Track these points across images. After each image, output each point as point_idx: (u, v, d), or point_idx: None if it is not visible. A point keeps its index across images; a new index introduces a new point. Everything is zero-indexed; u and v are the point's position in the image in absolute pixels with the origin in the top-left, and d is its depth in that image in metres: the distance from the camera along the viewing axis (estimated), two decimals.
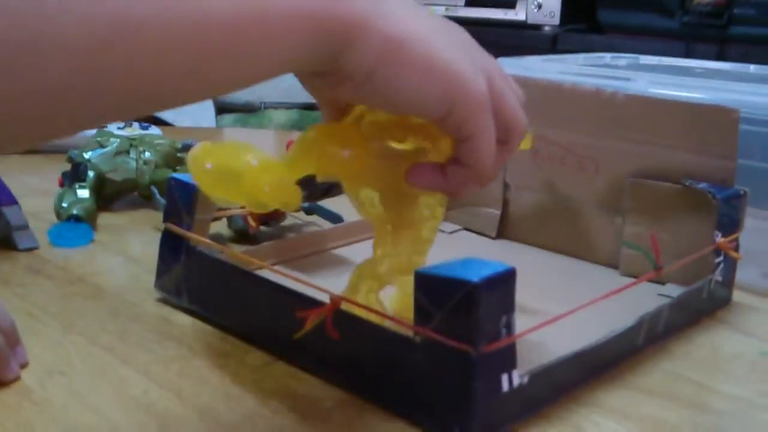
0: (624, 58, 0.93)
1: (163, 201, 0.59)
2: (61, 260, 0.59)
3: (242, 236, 0.63)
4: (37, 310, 0.50)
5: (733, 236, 0.53)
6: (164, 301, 0.52)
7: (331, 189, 0.59)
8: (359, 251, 0.48)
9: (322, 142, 0.40)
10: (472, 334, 0.35)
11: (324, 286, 0.42)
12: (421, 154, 0.41)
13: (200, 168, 0.37)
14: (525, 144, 0.48)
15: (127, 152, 0.72)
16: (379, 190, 0.43)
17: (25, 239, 0.61)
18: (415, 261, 0.45)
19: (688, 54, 1.70)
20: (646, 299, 0.51)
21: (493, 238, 0.65)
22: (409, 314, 0.38)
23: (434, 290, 0.37)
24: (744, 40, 1.71)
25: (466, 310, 0.35)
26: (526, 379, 0.38)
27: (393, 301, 0.49)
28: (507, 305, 0.37)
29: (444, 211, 0.45)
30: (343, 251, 0.61)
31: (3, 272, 0.56)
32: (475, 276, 0.35)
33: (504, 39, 2.08)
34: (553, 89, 0.60)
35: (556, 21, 1.96)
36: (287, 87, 2.54)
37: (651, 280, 0.51)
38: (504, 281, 0.36)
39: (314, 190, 0.59)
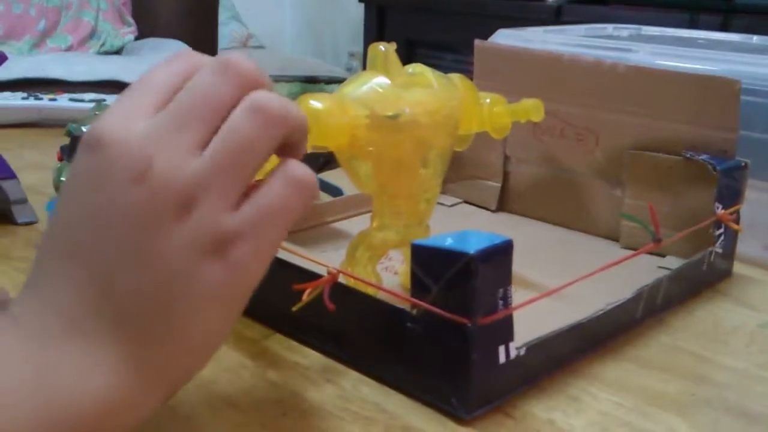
0: (626, 29, 0.92)
1: None
2: None
3: None
4: None
5: (734, 208, 0.52)
6: None
7: (330, 162, 0.59)
8: (359, 224, 0.48)
9: (309, 113, 0.39)
10: (469, 306, 0.35)
11: (323, 259, 0.41)
12: (413, 124, 0.41)
13: None
14: (537, 115, 0.48)
15: None
16: (371, 161, 0.42)
17: (23, 213, 0.61)
18: (416, 232, 0.45)
19: (692, 25, 1.69)
20: (645, 271, 0.50)
21: (493, 211, 0.65)
22: None
23: (431, 262, 0.36)
24: (748, 11, 1.69)
25: (463, 283, 0.35)
26: (523, 351, 0.38)
27: (402, 275, 0.49)
28: (504, 277, 0.37)
29: (440, 183, 0.45)
30: (342, 224, 0.61)
31: (2, 247, 0.56)
32: (472, 248, 0.35)
33: (508, 11, 2.07)
34: (553, 60, 0.59)
35: None
36: (288, 59, 2.53)
37: (651, 253, 0.50)
38: (501, 253, 0.36)
39: (313, 162, 0.59)
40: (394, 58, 0.43)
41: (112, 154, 0.28)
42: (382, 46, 0.43)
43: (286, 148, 0.31)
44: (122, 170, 0.28)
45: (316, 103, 0.40)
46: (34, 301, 0.29)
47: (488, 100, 0.48)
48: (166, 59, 0.31)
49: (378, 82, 0.42)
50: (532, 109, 0.48)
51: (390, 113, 0.41)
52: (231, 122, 0.29)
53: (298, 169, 0.30)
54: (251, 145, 0.29)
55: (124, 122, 0.28)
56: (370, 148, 0.42)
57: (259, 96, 0.29)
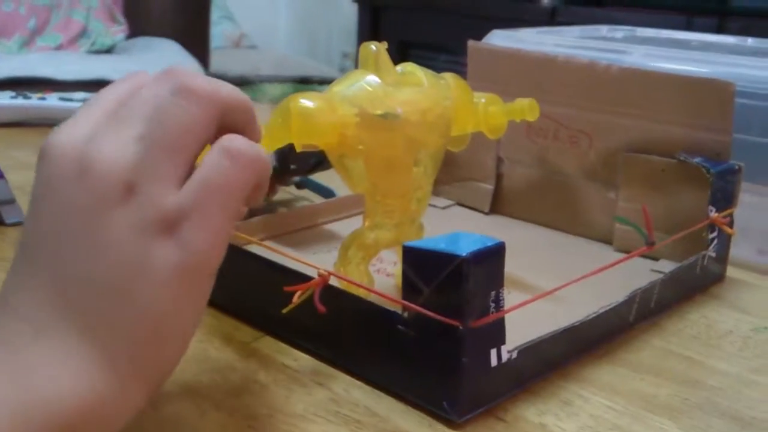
0: (620, 31, 0.92)
1: None
2: None
3: None
4: None
5: (728, 211, 0.52)
6: None
7: (322, 163, 0.58)
8: (351, 226, 0.47)
9: (298, 111, 0.39)
10: (460, 309, 0.35)
11: (315, 261, 0.41)
12: (403, 123, 0.40)
13: None
14: (532, 114, 0.48)
15: None
16: (362, 160, 0.42)
17: (12, 214, 0.60)
18: (409, 231, 0.44)
19: (688, 27, 1.69)
20: (638, 275, 0.50)
21: (486, 213, 0.65)
22: None
23: (422, 265, 0.36)
24: (744, 13, 1.69)
25: (454, 285, 0.35)
26: (515, 355, 0.38)
27: (397, 276, 0.48)
28: (496, 280, 0.36)
29: (431, 182, 0.45)
30: (334, 226, 0.60)
31: None
32: (463, 250, 0.35)
33: (502, 11, 2.07)
34: (547, 62, 0.59)
35: None
36: (281, 59, 2.53)
37: (644, 256, 0.50)
38: (493, 256, 0.36)
39: (305, 163, 0.58)
40: (385, 58, 0.42)
41: (56, 158, 0.29)
42: (373, 46, 0.42)
43: (233, 132, 0.31)
44: (65, 169, 0.29)
45: (305, 101, 0.40)
46: (3, 310, 0.29)
47: (483, 100, 0.47)
48: (117, 80, 0.33)
49: (368, 80, 0.42)
50: (527, 108, 0.48)
51: (380, 112, 0.41)
52: (160, 106, 0.30)
53: (234, 140, 0.30)
54: (183, 123, 0.30)
55: (68, 131, 0.30)
56: (360, 147, 0.41)
57: (184, 77, 0.30)
